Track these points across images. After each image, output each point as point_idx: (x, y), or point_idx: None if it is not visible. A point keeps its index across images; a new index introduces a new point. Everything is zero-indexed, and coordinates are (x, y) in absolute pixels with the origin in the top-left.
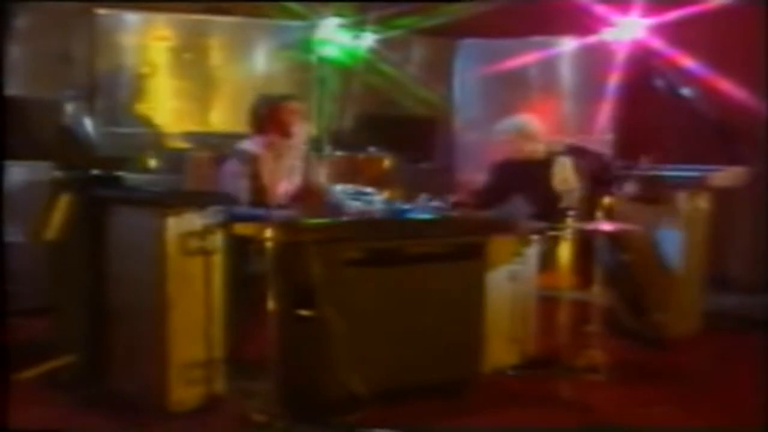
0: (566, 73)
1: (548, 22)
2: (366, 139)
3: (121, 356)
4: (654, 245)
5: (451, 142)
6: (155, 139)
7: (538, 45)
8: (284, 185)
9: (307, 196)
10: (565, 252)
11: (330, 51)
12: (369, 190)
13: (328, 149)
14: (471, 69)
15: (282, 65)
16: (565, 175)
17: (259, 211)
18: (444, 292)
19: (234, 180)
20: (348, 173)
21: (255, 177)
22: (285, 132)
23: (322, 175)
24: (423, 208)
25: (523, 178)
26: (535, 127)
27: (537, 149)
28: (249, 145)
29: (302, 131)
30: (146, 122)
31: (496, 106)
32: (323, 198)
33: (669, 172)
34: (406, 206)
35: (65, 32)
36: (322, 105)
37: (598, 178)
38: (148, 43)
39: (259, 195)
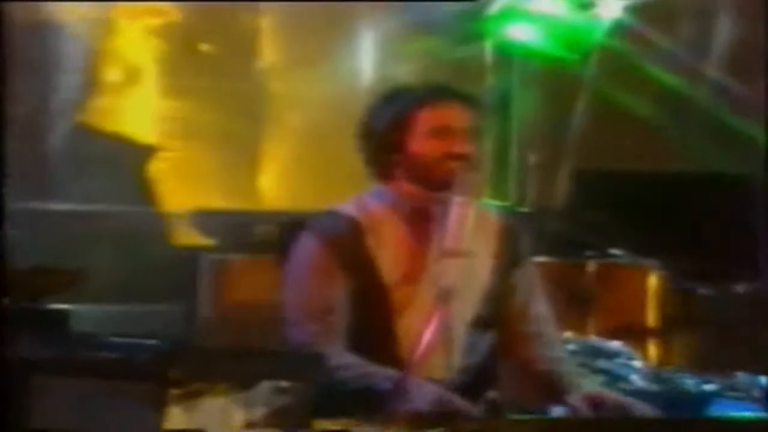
0: None
1: None
2: (601, 226)
3: None
4: None
5: None
6: (131, 227)
7: None
8: (432, 294)
9: (508, 341)
10: None
11: (523, 34)
12: (616, 347)
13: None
14: None
15: (418, 68)
16: None
17: (379, 373)
18: None
19: (308, 285)
20: (565, 306)
21: (362, 271)
22: (434, 173)
23: (538, 294)
24: (744, 391)
25: None
26: None
27: None
28: (349, 206)
29: (472, 176)
30: (112, 190)
31: None
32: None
33: None
34: (704, 386)
35: None
36: (505, 150)
37: None
38: (119, 23)
39: (374, 314)
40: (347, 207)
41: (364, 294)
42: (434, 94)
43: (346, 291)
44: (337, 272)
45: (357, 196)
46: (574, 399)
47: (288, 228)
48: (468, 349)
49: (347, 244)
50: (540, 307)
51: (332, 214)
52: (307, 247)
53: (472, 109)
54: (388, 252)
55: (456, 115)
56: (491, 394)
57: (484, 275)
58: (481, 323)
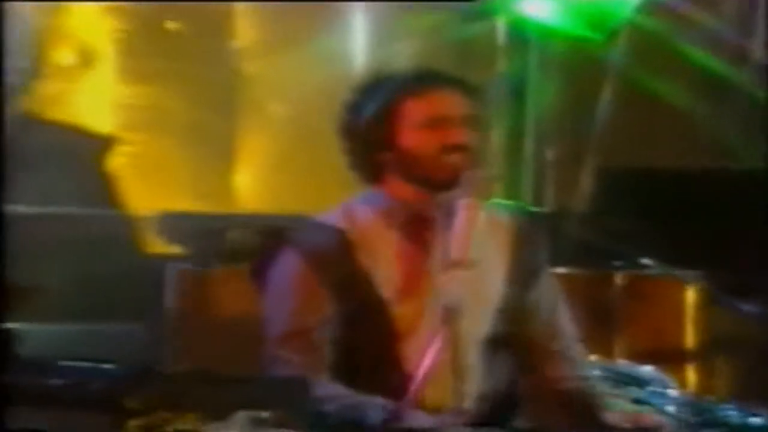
0: None
1: None
2: (630, 231)
3: None
4: None
5: None
6: (87, 232)
7: None
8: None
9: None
10: None
11: (540, 11)
12: (648, 372)
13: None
14: None
15: (418, 50)
16: None
17: (370, 403)
18: None
19: (290, 307)
20: (589, 325)
21: (354, 290)
22: (433, 170)
23: (562, 307)
24: None
25: None
26: None
27: None
28: (335, 216)
29: (478, 173)
30: (64, 190)
31: None
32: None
33: None
34: (748, 418)
35: None
36: (519, 144)
37: None
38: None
39: (373, 338)
40: (333, 217)
41: (359, 316)
42: (422, 80)
43: (335, 314)
44: (323, 293)
45: (344, 203)
46: (613, 418)
47: (267, 240)
48: (484, 372)
49: (334, 261)
50: (566, 322)
51: (317, 226)
52: (288, 264)
53: (467, 95)
54: (384, 267)
55: (449, 103)
56: (514, 422)
57: (496, 288)
58: (496, 343)
